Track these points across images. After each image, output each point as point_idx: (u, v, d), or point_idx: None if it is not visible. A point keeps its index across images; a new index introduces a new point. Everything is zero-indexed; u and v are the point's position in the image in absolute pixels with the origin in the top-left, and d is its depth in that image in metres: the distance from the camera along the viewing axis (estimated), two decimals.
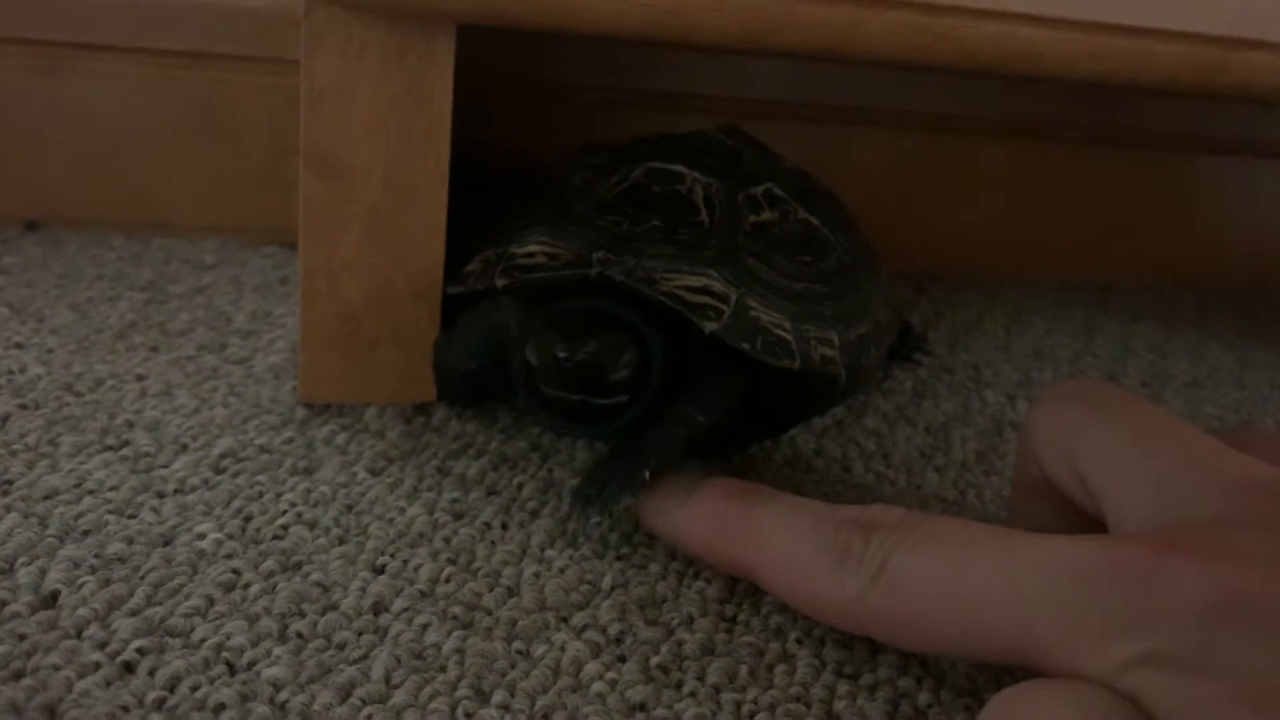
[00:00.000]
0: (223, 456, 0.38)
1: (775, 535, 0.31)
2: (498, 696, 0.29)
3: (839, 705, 0.30)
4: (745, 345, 0.36)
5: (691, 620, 0.33)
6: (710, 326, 0.36)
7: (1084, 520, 0.30)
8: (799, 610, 0.31)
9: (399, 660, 0.30)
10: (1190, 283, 0.70)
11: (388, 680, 0.29)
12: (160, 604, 0.31)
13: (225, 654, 0.29)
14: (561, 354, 0.34)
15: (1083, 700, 0.23)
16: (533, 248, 0.38)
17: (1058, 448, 0.31)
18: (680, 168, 0.40)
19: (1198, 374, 0.58)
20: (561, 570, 0.35)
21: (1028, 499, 0.34)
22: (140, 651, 0.29)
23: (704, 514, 0.33)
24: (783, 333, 0.37)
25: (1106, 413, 0.30)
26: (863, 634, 0.30)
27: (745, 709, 0.30)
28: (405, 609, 0.32)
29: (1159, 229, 0.70)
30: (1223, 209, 0.70)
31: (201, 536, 0.34)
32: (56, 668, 0.28)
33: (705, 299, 0.36)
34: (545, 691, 0.29)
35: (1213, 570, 0.23)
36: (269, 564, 0.33)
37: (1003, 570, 0.26)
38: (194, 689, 0.28)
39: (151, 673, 0.28)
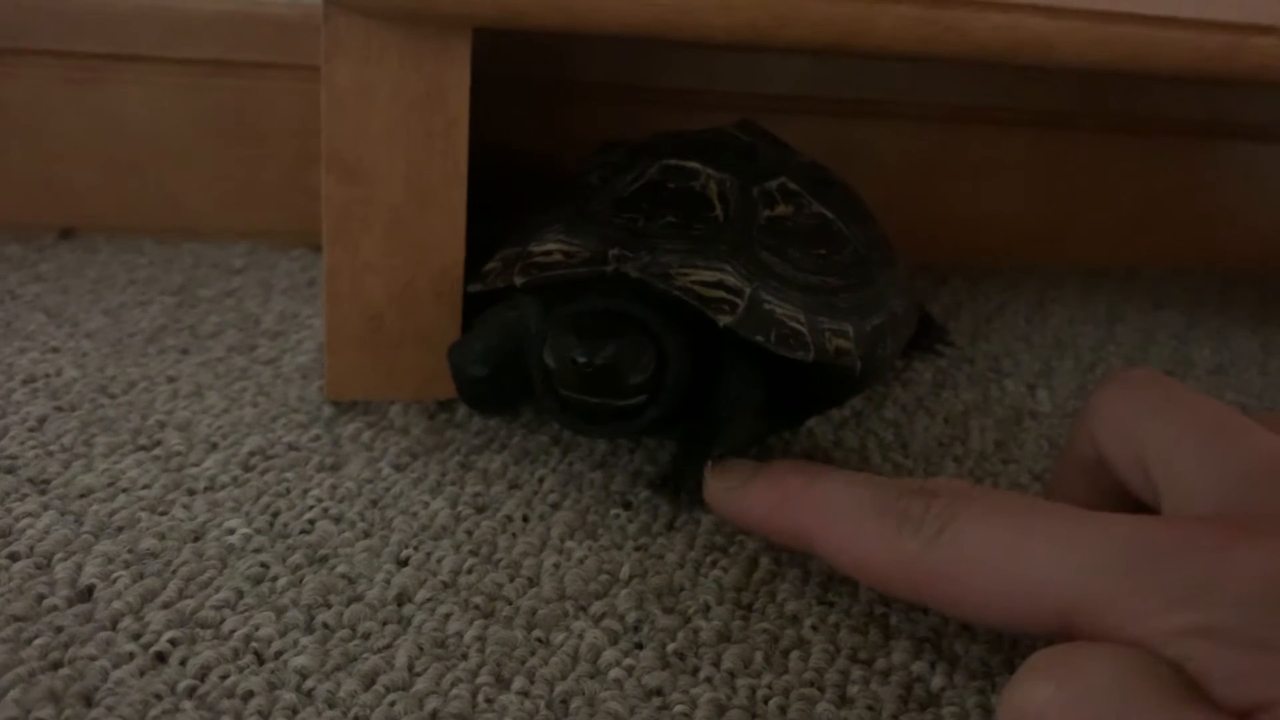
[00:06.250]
0: (251, 454, 0.39)
1: (836, 502, 0.31)
2: (517, 683, 0.30)
3: (853, 689, 0.31)
4: (759, 338, 0.37)
5: (708, 608, 0.34)
6: (725, 320, 0.36)
7: (1127, 506, 0.30)
8: (856, 575, 0.32)
9: (422, 649, 0.31)
10: (1214, 269, 0.70)
11: (411, 668, 0.30)
12: (191, 597, 0.32)
13: (254, 644, 0.30)
14: (580, 358, 0.35)
15: (1128, 659, 0.23)
16: (550, 245, 0.39)
17: (1121, 432, 0.31)
18: (695, 164, 0.41)
19: (1221, 360, 0.58)
20: (581, 560, 0.35)
21: (1074, 479, 0.34)
22: (172, 642, 0.30)
23: (767, 488, 0.34)
24: (797, 325, 0.37)
25: (1174, 402, 0.30)
26: (917, 598, 0.30)
27: (760, 694, 0.30)
28: (428, 599, 0.33)
29: (1181, 216, 0.69)
30: (1246, 195, 0.70)
31: (231, 532, 0.35)
32: (93, 658, 0.29)
33: (720, 293, 0.37)
34: (564, 678, 0.30)
35: (1276, 551, 0.23)
36: (296, 557, 0.34)
37: (1064, 538, 0.26)
38: (224, 678, 0.29)
39: (183, 662, 0.29)
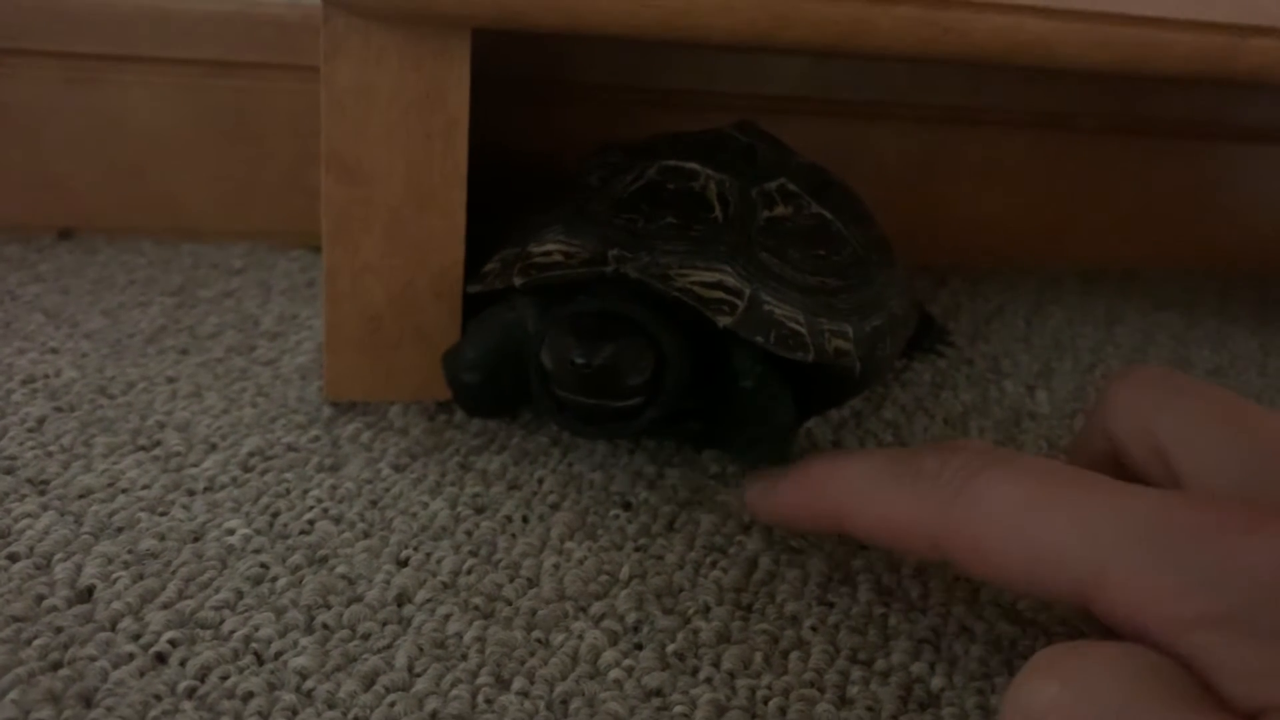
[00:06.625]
0: (251, 455, 0.39)
1: (857, 474, 0.31)
2: (517, 684, 0.30)
3: (852, 690, 0.31)
4: (759, 339, 0.37)
5: (708, 609, 0.34)
6: (724, 321, 0.36)
7: None
8: (881, 540, 0.31)
9: (421, 649, 0.31)
10: (1214, 269, 0.70)
11: (410, 669, 0.30)
12: (191, 597, 0.32)
13: (254, 645, 0.30)
14: (579, 360, 0.35)
15: (1133, 659, 0.23)
16: (550, 246, 0.39)
17: (1139, 424, 0.31)
18: (694, 165, 0.41)
19: (1220, 361, 0.58)
20: (580, 561, 0.35)
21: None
22: (172, 643, 0.30)
23: (796, 480, 0.34)
24: (796, 326, 0.37)
25: (1189, 393, 0.30)
26: (941, 557, 0.29)
27: (760, 694, 0.30)
28: (428, 600, 0.33)
29: (1180, 217, 0.69)
30: (1244, 196, 0.70)
31: (230, 532, 0.35)
32: (92, 659, 0.29)
33: (719, 294, 0.37)
34: (564, 678, 0.30)
35: None
36: (296, 558, 0.34)
37: (1085, 508, 0.26)
38: (224, 678, 0.29)
39: (183, 663, 0.29)
